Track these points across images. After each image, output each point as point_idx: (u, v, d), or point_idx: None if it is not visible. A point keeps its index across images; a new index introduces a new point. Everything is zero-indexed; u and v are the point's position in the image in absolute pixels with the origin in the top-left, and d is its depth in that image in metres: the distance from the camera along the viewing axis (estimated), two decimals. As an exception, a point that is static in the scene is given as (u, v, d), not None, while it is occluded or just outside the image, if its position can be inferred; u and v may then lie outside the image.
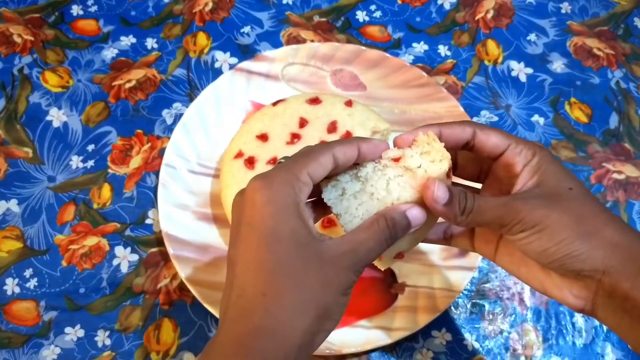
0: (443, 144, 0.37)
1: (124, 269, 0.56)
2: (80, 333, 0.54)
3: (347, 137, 0.57)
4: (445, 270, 0.54)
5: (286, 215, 0.32)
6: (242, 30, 0.70)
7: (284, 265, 0.32)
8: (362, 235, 0.34)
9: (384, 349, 0.53)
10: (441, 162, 0.37)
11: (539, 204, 0.34)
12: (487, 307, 0.55)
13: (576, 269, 0.34)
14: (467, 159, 0.42)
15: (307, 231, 0.33)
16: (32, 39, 0.69)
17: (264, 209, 0.32)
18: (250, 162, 0.56)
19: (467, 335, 0.54)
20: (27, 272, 0.56)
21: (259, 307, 0.31)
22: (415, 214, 0.36)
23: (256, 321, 0.31)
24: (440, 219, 0.39)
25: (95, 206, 0.59)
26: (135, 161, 0.62)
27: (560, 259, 0.34)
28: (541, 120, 0.65)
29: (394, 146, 0.38)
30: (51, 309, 0.55)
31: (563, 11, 0.73)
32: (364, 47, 0.65)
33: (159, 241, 0.57)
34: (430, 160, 0.37)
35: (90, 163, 0.62)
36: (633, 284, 0.33)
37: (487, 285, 0.56)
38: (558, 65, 0.69)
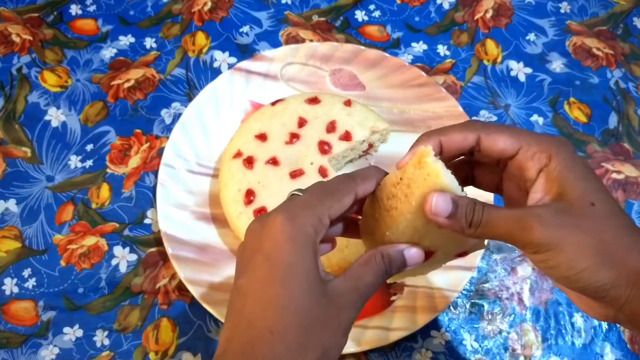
0: (433, 159, 0.34)
1: (123, 268, 0.56)
2: (79, 333, 0.54)
3: (347, 136, 0.57)
4: (444, 270, 0.54)
5: (304, 254, 0.32)
6: (241, 30, 0.70)
7: (294, 302, 0.32)
8: (361, 270, 0.34)
9: (383, 349, 0.53)
10: (436, 176, 0.34)
11: (555, 222, 0.31)
12: (486, 307, 0.55)
13: (598, 296, 0.32)
14: (484, 169, 0.39)
15: (318, 271, 0.33)
16: (30, 38, 0.69)
17: (285, 246, 0.32)
18: (249, 161, 0.56)
19: (466, 336, 0.54)
20: (26, 272, 0.56)
21: (265, 345, 0.31)
22: (413, 254, 0.35)
23: (260, 359, 0.31)
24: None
25: (93, 206, 0.59)
26: (134, 161, 0.62)
27: (582, 288, 0.32)
28: (540, 120, 0.65)
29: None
30: (50, 309, 0.54)
31: (562, 11, 0.73)
32: (363, 47, 0.65)
33: (157, 241, 0.57)
34: (425, 175, 0.34)
35: (89, 163, 0.61)
36: None
37: (486, 285, 0.56)
38: (557, 65, 0.69)
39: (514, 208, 0.34)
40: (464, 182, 0.40)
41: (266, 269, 0.32)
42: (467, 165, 0.40)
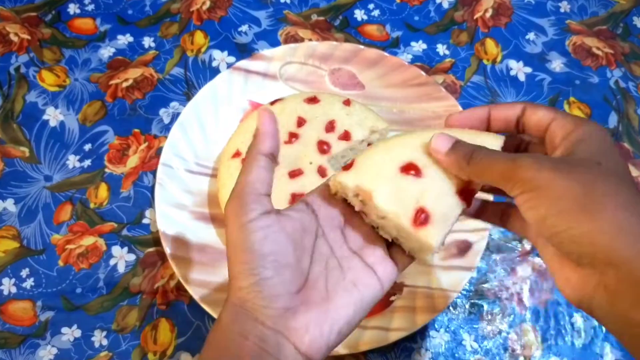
0: None
1: (121, 269, 0.56)
2: (77, 333, 0.53)
3: (346, 136, 0.57)
4: (444, 270, 0.54)
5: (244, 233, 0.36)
6: (239, 29, 0.70)
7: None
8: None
9: (382, 350, 0.53)
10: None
11: (549, 166, 0.31)
12: (485, 307, 0.55)
13: (574, 251, 0.30)
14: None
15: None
16: (28, 37, 0.69)
17: (232, 230, 0.37)
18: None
19: (465, 336, 0.54)
20: (24, 272, 0.56)
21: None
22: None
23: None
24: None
25: (92, 206, 0.59)
26: (133, 160, 0.61)
27: (559, 233, 0.30)
28: (540, 120, 0.65)
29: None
30: (48, 309, 0.54)
31: (562, 10, 0.73)
32: (362, 46, 0.65)
33: (156, 241, 0.57)
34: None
35: (87, 162, 0.61)
36: None
37: (485, 285, 0.56)
38: (557, 64, 0.69)
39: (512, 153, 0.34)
40: None
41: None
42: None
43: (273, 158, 0.36)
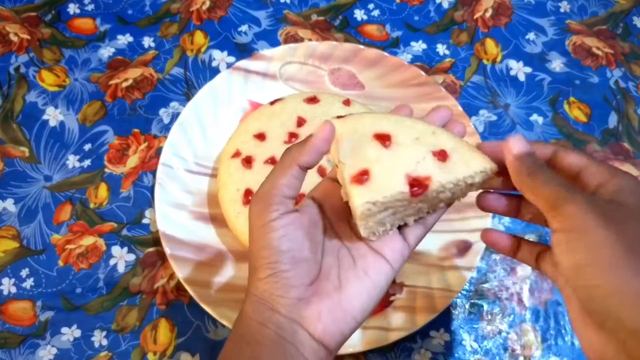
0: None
1: (121, 268, 0.56)
2: (77, 333, 0.53)
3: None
4: (444, 270, 0.54)
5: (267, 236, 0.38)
6: (239, 29, 0.70)
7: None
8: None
9: (382, 350, 0.53)
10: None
11: (598, 210, 0.29)
12: (485, 307, 0.55)
13: (602, 311, 0.28)
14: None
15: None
16: (28, 37, 0.69)
17: (255, 232, 0.38)
18: (248, 161, 0.56)
19: (465, 336, 0.54)
20: (24, 272, 0.56)
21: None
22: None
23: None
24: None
25: (92, 206, 0.59)
26: (132, 160, 0.61)
27: (590, 287, 0.28)
28: (540, 120, 0.65)
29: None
30: (47, 309, 0.54)
31: (562, 10, 0.73)
32: (362, 46, 0.65)
33: (156, 241, 0.57)
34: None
35: (87, 162, 0.61)
36: None
37: (485, 285, 0.56)
38: (557, 64, 0.69)
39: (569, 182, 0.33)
40: None
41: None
42: None
43: (306, 170, 0.37)
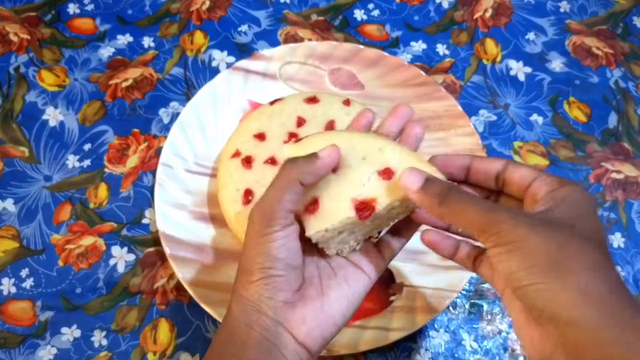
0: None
1: (121, 268, 0.56)
2: (77, 333, 0.53)
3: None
4: (444, 270, 0.54)
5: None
6: (239, 29, 0.70)
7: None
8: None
9: (382, 350, 0.53)
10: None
11: (526, 222, 0.31)
12: (485, 307, 0.55)
13: (537, 306, 0.30)
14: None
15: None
16: (28, 37, 0.69)
17: (251, 247, 0.39)
18: (248, 161, 0.56)
19: (465, 336, 0.54)
20: (23, 272, 0.56)
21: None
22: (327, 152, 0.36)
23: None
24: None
25: (91, 206, 0.59)
26: (132, 160, 0.61)
27: (526, 287, 0.30)
28: (540, 120, 0.65)
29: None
30: (47, 309, 0.54)
31: (562, 10, 0.73)
32: (362, 46, 0.65)
33: (155, 241, 0.57)
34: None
35: (87, 162, 0.61)
36: (610, 347, 0.28)
37: (485, 285, 0.56)
38: (557, 64, 0.69)
39: (492, 202, 0.34)
40: None
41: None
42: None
43: (307, 186, 0.37)
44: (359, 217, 0.36)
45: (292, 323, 0.37)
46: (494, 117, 0.65)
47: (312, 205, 0.37)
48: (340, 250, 0.40)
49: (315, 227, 0.37)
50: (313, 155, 0.36)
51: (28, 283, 0.55)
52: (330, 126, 0.57)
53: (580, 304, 0.29)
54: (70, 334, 0.53)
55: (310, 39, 0.69)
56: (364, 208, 0.36)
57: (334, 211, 0.37)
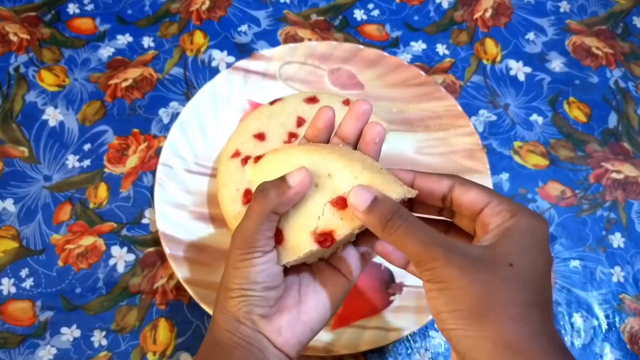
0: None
1: (121, 268, 0.56)
2: (77, 333, 0.53)
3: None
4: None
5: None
6: (239, 29, 0.70)
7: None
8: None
9: (382, 350, 0.53)
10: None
11: (460, 262, 0.30)
12: (485, 307, 0.55)
13: (459, 351, 0.30)
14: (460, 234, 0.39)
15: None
16: (28, 37, 0.69)
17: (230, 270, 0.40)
18: (248, 161, 0.56)
19: (465, 336, 0.54)
20: (23, 272, 0.56)
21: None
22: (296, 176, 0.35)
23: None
24: None
25: (91, 206, 0.59)
26: (132, 160, 0.61)
27: (449, 331, 0.31)
28: (540, 120, 0.65)
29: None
30: (47, 309, 0.54)
31: (562, 10, 0.73)
32: (361, 46, 0.65)
33: (155, 241, 0.57)
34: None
35: (87, 162, 0.61)
36: None
37: (485, 285, 0.56)
38: (557, 64, 0.69)
39: (435, 232, 0.32)
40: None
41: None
42: (444, 226, 0.40)
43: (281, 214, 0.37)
44: (321, 246, 0.36)
45: (269, 333, 0.38)
46: (494, 117, 0.65)
47: (278, 236, 0.37)
48: (317, 259, 0.41)
49: (284, 258, 0.37)
50: (284, 185, 0.35)
51: (28, 283, 0.55)
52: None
53: (498, 355, 0.29)
54: (70, 334, 0.53)
55: (310, 39, 0.69)
56: (324, 240, 0.36)
57: (297, 244, 0.37)
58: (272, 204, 0.35)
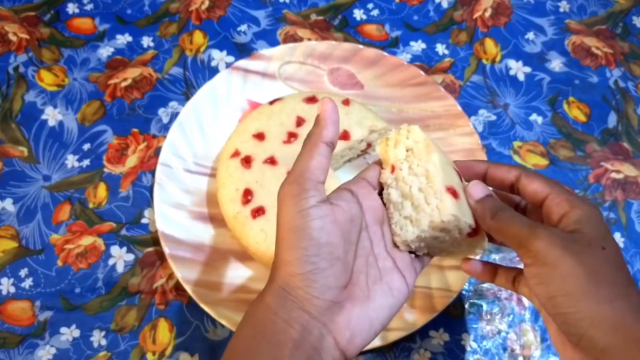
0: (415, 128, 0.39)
1: (120, 268, 0.56)
2: (76, 333, 0.53)
3: (345, 136, 0.57)
4: (443, 270, 0.54)
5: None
6: (238, 29, 0.70)
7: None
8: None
9: (381, 350, 0.53)
10: (428, 154, 0.38)
11: (561, 243, 0.32)
12: (485, 307, 0.55)
13: (576, 333, 0.32)
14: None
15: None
16: (27, 37, 0.69)
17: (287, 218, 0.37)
18: (247, 161, 0.56)
19: (464, 336, 0.54)
20: (23, 272, 0.56)
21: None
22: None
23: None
24: None
25: (90, 205, 0.59)
26: (131, 160, 0.61)
27: (564, 314, 0.32)
28: (539, 119, 0.65)
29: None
30: (46, 309, 0.54)
31: (561, 10, 0.73)
32: (361, 46, 0.65)
33: (154, 241, 0.57)
34: (417, 159, 0.38)
35: (86, 162, 0.61)
36: None
37: (485, 285, 0.56)
38: (556, 64, 0.69)
39: (535, 222, 0.35)
40: None
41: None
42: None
43: (332, 146, 0.36)
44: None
45: (338, 325, 0.34)
46: (494, 117, 0.65)
47: (452, 191, 0.37)
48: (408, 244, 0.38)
49: (454, 210, 0.35)
50: (317, 117, 0.37)
51: (27, 283, 0.55)
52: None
53: (613, 332, 0.31)
54: (69, 334, 0.53)
55: (309, 39, 0.69)
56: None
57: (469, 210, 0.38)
58: (319, 135, 0.35)
